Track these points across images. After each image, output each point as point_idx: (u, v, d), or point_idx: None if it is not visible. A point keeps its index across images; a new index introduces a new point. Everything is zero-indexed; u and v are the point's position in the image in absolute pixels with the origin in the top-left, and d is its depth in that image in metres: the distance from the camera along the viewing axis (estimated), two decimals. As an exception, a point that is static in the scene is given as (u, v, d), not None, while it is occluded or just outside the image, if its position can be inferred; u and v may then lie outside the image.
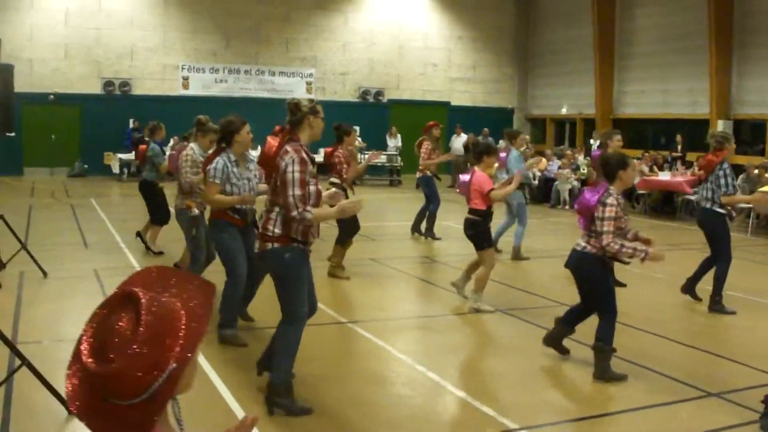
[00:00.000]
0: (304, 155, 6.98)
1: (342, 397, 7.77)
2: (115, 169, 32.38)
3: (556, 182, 26.47)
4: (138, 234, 15.70)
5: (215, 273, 10.50)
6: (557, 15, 38.04)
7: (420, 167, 17.79)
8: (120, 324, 2.11)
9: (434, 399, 7.92)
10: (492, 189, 11.08)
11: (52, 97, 32.42)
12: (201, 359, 8.72)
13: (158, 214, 15.00)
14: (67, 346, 9.20)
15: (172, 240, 15.42)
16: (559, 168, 26.75)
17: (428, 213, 17.78)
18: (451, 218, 18.15)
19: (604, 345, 8.39)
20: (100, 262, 14.32)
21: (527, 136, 16.19)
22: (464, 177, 11.42)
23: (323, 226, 7.96)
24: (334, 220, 11.04)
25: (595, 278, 8.44)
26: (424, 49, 38.33)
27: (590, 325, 8.77)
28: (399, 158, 34.73)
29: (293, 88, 35.70)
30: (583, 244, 8.43)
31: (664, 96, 31.95)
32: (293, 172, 6.85)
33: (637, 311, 11.17)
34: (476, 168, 11.23)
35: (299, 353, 7.39)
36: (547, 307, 11.67)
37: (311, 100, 7.32)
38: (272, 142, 7.15)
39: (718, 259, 11.75)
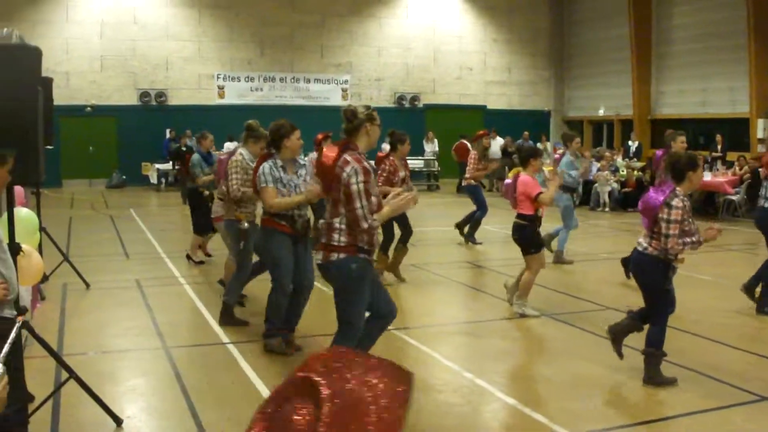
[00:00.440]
0: (366, 164, 6.86)
1: (390, 406, 7.67)
2: (153, 179, 32.52)
3: (596, 184, 26.27)
4: (188, 257, 15.54)
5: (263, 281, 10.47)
6: (593, 15, 37.80)
7: (466, 176, 17.72)
8: (296, 417, 1.88)
9: (483, 406, 7.81)
10: (540, 192, 10.97)
11: (89, 109, 32.66)
12: (248, 370, 8.69)
13: (201, 224, 14.80)
14: (112, 357, 9.23)
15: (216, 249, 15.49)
16: (598, 170, 26.54)
17: (474, 218, 17.65)
18: (493, 223, 18.02)
19: (655, 350, 8.25)
20: (142, 272, 14.35)
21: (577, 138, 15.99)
22: (508, 181, 11.31)
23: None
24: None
25: (653, 280, 8.26)
26: (459, 53, 38.23)
27: (645, 327, 8.64)
28: (436, 163, 34.68)
29: (329, 94, 35.75)
30: (645, 244, 8.27)
31: (703, 95, 31.64)
32: (357, 183, 6.73)
33: (685, 314, 10.99)
34: (523, 172, 11.13)
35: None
36: (593, 311, 11.57)
37: (367, 107, 7.21)
38: (328, 153, 6.99)
39: None
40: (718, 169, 25.87)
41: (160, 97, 33.72)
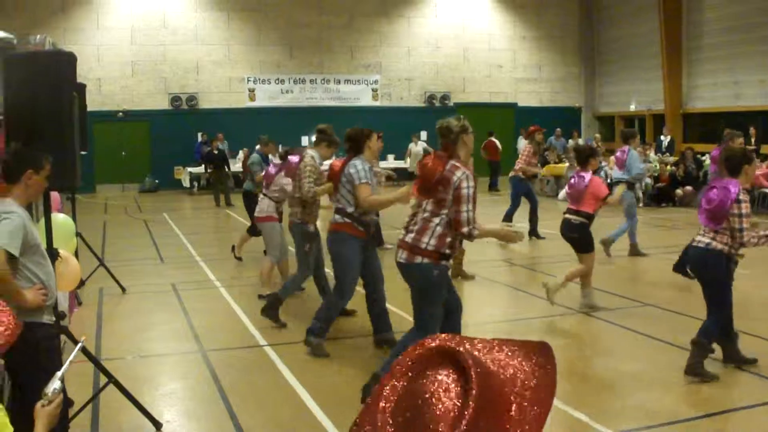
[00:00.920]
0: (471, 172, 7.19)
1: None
2: (186, 183, 32.64)
3: (629, 180, 26.10)
4: (233, 248, 15.74)
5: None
6: (622, 10, 37.55)
7: (516, 168, 17.80)
8: (436, 390, 1.51)
9: (523, 405, 7.73)
10: (609, 194, 11.26)
11: (121, 114, 32.83)
12: (286, 373, 8.66)
13: (255, 225, 14.79)
14: (150, 362, 9.24)
15: (256, 250, 15.51)
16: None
17: (506, 213, 17.62)
18: (522, 220, 17.91)
19: (706, 342, 8.18)
20: (177, 276, 14.37)
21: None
22: (574, 179, 11.44)
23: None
24: None
25: (717, 275, 8.25)
26: (488, 51, 38.10)
27: (684, 324, 8.55)
28: (467, 162, 34.57)
29: (359, 95, 35.75)
30: (707, 240, 8.22)
31: (736, 88, 31.34)
32: (468, 188, 7.04)
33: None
34: (588, 172, 11.30)
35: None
36: (632, 308, 11.50)
37: (459, 118, 7.50)
38: (432, 160, 7.28)
39: None
40: (753, 163, 25.62)
41: (191, 100, 33.82)
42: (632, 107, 37.02)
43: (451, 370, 1.49)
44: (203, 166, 30.86)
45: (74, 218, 11.35)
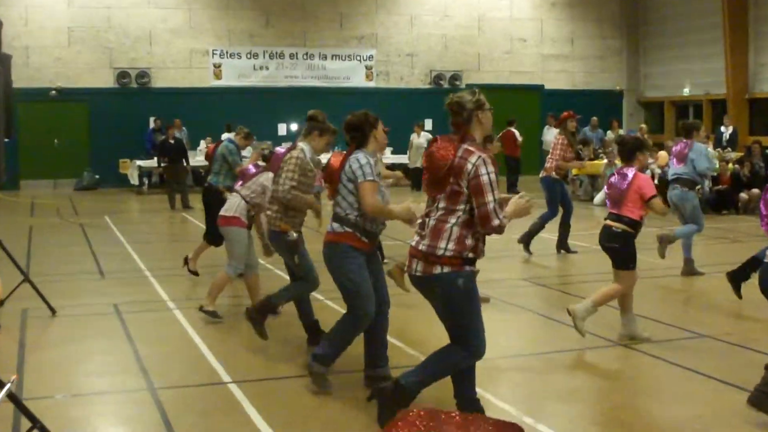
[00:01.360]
0: (490, 154, 7.28)
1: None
2: (134, 180, 32.60)
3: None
4: (186, 260, 15.60)
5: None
6: (675, -28, 37.67)
7: (546, 167, 17.71)
8: None
9: (548, 459, 7.73)
10: (655, 195, 10.98)
11: (54, 92, 32.85)
12: (255, 416, 8.60)
13: (217, 232, 14.42)
14: (85, 402, 9.17)
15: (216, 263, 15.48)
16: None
17: (537, 221, 17.38)
18: (549, 230, 17.87)
19: None
20: (121, 295, 14.32)
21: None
22: (615, 178, 11.28)
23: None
24: None
25: None
26: (509, 21, 38.15)
27: (749, 359, 8.50)
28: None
29: (350, 74, 35.81)
30: None
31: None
32: (487, 174, 7.14)
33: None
34: (632, 168, 11.08)
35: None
36: (682, 339, 11.47)
37: (474, 92, 7.54)
38: (441, 146, 7.31)
39: None
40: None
41: (142, 77, 33.83)
42: (686, 91, 37.09)
43: None
44: (156, 158, 30.80)
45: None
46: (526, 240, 17.51)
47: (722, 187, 25.43)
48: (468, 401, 7.81)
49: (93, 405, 9.19)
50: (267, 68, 35.29)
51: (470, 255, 7.28)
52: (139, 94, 33.71)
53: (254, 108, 32.58)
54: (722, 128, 31.87)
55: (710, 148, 28.11)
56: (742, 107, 33.94)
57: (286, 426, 8.33)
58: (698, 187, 15.27)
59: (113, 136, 32.99)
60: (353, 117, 9.22)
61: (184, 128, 31.14)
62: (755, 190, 24.47)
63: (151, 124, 32.83)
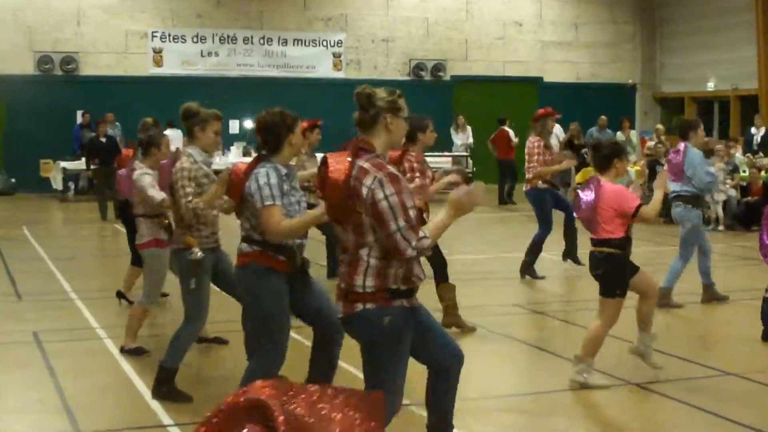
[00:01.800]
0: (391, 169, 6.90)
1: None
2: (57, 184, 32.41)
3: (704, 192, 26.19)
4: (120, 294, 15.48)
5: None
6: (698, -54, 37.89)
7: (528, 178, 17.54)
8: None
9: None
10: (641, 204, 10.72)
11: (-39, 81, 32.76)
12: None
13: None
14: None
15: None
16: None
17: (530, 244, 17.43)
18: (549, 249, 17.93)
19: None
20: (42, 321, 14.30)
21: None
22: (585, 194, 11.04)
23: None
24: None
25: None
26: (502, 2, 38.25)
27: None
28: (470, 161, 34.52)
29: (315, 62, 35.86)
30: None
31: None
32: (386, 198, 6.72)
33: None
34: (603, 178, 10.94)
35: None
36: (702, 378, 11.48)
37: (393, 92, 7.17)
38: (336, 164, 6.97)
39: None
40: None
41: (68, 63, 33.76)
42: (710, 86, 37.20)
43: (258, 427, 1.92)
44: (84, 159, 30.74)
45: None
46: (528, 270, 17.41)
47: (752, 198, 25.40)
48: None
49: (8, 450, 9.23)
50: (217, 54, 35.27)
51: (399, 287, 6.97)
52: (65, 83, 33.65)
53: (201, 101, 32.46)
54: (753, 129, 31.87)
55: (738, 153, 28.39)
56: (777, 104, 34.11)
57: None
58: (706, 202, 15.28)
59: (33, 132, 32.81)
60: (267, 116, 8.94)
61: (117, 124, 31.10)
62: (790, 203, 24.48)
63: (79, 119, 32.75)
